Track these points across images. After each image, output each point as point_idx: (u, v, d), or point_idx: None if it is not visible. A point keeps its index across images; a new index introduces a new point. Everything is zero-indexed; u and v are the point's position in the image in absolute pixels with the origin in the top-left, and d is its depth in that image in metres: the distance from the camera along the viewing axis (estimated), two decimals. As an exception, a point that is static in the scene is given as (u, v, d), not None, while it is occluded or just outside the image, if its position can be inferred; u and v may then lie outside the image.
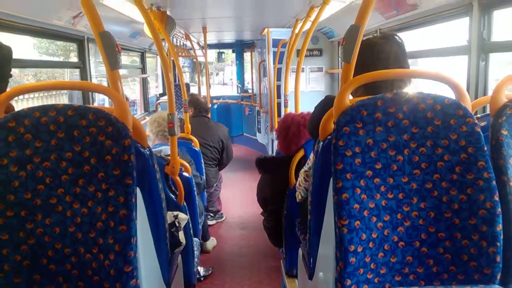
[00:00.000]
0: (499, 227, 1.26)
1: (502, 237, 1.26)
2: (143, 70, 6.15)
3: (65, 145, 1.36)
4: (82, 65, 3.58)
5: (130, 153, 1.36)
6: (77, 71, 3.62)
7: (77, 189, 1.36)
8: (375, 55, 1.54)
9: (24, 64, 3.70)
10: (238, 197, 5.45)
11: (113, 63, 1.54)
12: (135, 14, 3.56)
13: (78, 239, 1.35)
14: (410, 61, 1.63)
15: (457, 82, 1.39)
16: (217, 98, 9.09)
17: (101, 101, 4.90)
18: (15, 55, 1.69)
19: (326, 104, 1.70)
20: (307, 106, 2.74)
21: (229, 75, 13.23)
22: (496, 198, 1.26)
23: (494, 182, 1.27)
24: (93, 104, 3.63)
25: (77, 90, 3.67)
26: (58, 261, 1.35)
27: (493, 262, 1.26)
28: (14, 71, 3.13)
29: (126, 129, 1.39)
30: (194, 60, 7.47)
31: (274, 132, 4.48)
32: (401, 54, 1.57)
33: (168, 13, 3.84)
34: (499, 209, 1.26)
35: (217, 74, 7.31)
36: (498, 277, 1.27)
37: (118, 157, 1.35)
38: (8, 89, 1.59)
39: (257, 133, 7.72)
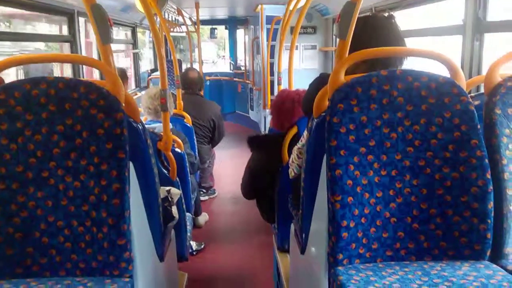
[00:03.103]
0: (491, 205, 1.28)
1: (493, 214, 1.28)
2: (135, 45, 6.06)
3: (56, 118, 1.35)
4: (72, 39, 3.51)
5: (123, 127, 1.35)
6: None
7: (69, 162, 1.35)
8: (376, 31, 1.53)
9: (10, 37, 3.63)
10: (230, 173, 5.46)
11: (105, 37, 1.51)
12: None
13: (71, 212, 1.35)
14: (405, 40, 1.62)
15: (452, 60, 1.39)
16: (210, 74, 9.01)
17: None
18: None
19: (320, 81, 1.68)
20: (301, 84, 2.72)
21: (207, 53, 12.89)
22: (488, 176, 1.28)
23: (486, 160, 1.28)
24: (83, 77, 3.58)
25: (68, 63, 3.61)
26: (51, 234, 1.35)
27: (484, 239, 1.28)
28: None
29: (118, 102, 1.37)
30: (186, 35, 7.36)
31: (267, 110, 4.47)
32: (399, 32, 1.57)
33: (160, -13, 3.76)
34: (491, 187, 1.28)
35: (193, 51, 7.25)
36: (488, 253, 1.30)
37: (110, 130, 1.34)
38: None
39: (250, 110, 7.70)
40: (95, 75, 4.40)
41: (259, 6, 5.61)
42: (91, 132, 1.34)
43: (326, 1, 4.72)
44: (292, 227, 1.92)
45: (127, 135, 1.36)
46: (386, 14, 1.63)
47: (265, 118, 5.76)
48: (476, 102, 1.40)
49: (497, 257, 1.32)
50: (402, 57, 1.56)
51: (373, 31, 1.52)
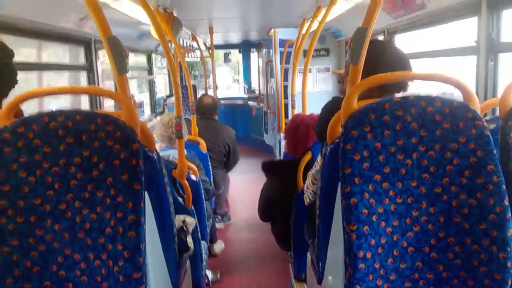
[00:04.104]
0: (510, 232, 1.24)
1: None
2: (150, 71, 6.16)
3: (74, 150, 1.36)
4: (89, 68, 3.59)
5: (138, 158, 1.36)
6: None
7: (86, 194, 1.36)
8: (380, 56, 1.54)
9: (29, 67, 3.72)
10: (245, 199, 5.43)
11: (120, 68, 1.55)
12: (142, 16, 3.57)
13: (88, 245, 1.35)
14: (418, 60, 1.65)
15: (465, 84, 1.37)
16: (224, 99, 9.09)
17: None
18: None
19: (333, 106, 1.69)
20: (315, 106, 2.72)
21: (221, 77, 12.67)
22: (506, 202, 1.24)
23: (504, 186, 1.25)
24: (101, 107, 3.64)
25: (86, 94, 3.68)
26: (68, 267, 1.36)
27: (504, 268, 1.24)
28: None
29: (134, 133, 1.39)
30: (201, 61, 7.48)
31: (282, 133, 4.47)
32: (402, 54, 1.61)
33: (174, 14, 3.85)
34: (509, 214, 1.24)
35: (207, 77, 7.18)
36: (509, 282, 1.25)
37: (126, 161, 1.35)
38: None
39: (264, 134, 7.70)
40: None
41: (272, 30, 5.68)
42: (108, 163, 1.36)
43: (339, 23, 4.75)
44: (309, 256, 1.90)
45: (143, 166, 1.36)
46: (385, 38, 1.67)
47: (279, 141, 5.76)
48: (492, 126, 1.38)
49: None
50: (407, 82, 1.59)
51: (377, 56, 1.53)
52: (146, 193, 1.41)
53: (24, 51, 3.08)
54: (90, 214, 1.35)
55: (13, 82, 1.61)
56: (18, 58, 1.68)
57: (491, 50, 2.26)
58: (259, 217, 2.93)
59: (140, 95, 6.43)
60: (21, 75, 1.65)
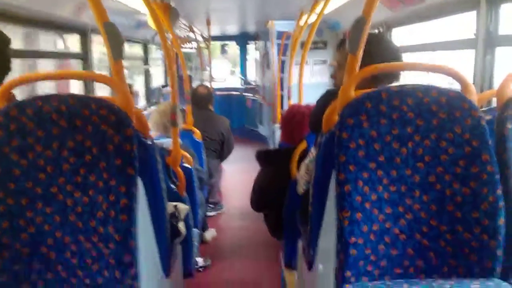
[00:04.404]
0: (501, 221, 1.25)
1: (504, 230, 1.25)
2: (146, 61, 6.13)
3: (67, 134, 1.35)
4: (85, 56, 3.57)
5: (133, 143, 1.35)
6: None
7: (78, 178, 1.35)
8: (372, 47, 1.54)
9: (23, 54, 3.69)
10: (238, 188, 5.45)
11: (116, 53, 1.53)
12: (139, 5, 3.54)
13: (78, 227, 1.34)
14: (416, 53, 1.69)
15: (462, 75, 1.37)
16: (220, 90, 9.07)
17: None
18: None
19: (327, 98, 1.71)
20: (311, 98, 2.73)
21: (219, 69, 12.21)
22: (499, 192, 1.25)
23: (497, 176, 1.26)
24: (94, 93, 3.62)
25: (80, 80, 3.66)
26: (58, 249, 1.35)
27: (494, 256, 1.25)
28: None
29: (129, 119, 1.38)
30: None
31: (277, 124, 4.47)
32: (393, 46, 1.68)
33: (171, 4, 3.82)
34: (502, 203, 1.25)
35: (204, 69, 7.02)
36: (499, 270, 1.26)
37: (120, 146, 1.34)
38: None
39: (259, 125, 7.71)
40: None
41: (270, 22, 5.66)
42: (101, 148, 1.35)
43: (337, 16, 4.73)
44: (300, 243, 1.90)
45: (137, 151, 1.36)
46: (380, 32, 1.71)
47: (273, 132, 5.77)
48: (488, 117, 1.38)
49: (508, 274, 1.28)
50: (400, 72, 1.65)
51: (370, 47, 1.54)
52: (139, 178, 1.40)
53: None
54: (82, 198, 1.34)
55: (7, 69, 1.60)
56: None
57: (489, 44, 2.26)
58: (252, 208, 2.93)
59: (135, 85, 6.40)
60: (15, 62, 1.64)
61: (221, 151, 4.28)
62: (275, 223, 2.78)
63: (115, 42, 1.52)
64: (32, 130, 1.34)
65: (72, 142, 1.35)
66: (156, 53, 6.86)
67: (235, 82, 10.46)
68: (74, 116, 1.35)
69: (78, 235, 1.35)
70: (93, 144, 1.35)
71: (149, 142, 1.57)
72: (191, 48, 7.83)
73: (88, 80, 3.52)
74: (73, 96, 1.39)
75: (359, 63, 1.39)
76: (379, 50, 1.61)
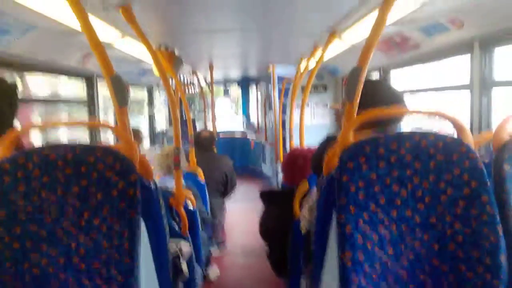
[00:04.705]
0: (502, 259, 1.25)
1: (506, 269, 1.25)
2: (151, 106, 6.24)
3: (72, 179, 1.38)
4: (90, 102, 3.65)
5: (136, 188, 1.38)
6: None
7: (82, 221, 1.37)
8: (372, 93, 1.60)
9: (30, 101, 3.78)
10: (242, 227, 5.42)
11: (121, 101, 1.58)
12: (143, 54, 3.65)
13: (82, 270, 1.35)
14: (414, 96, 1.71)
15: (458, 119, 1.41)
16: (223, 132, 9.17)
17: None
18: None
19: (326, 143, 1.80)
20: (312, 139, 2.78)
21: (221, 110, 12.38)
22: (500, 232, 1.26)
23: (497, 217, 1.27)
24: (100, 138, 3.68)
25: (85, 127, 3.73)
26: None
27: None
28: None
29: (133, 165, 1.41)
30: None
31: (279, 164, 4.51)
32: (393, 91, 1.67)
33: (175, 52, 3.94)
34: (503, 242, 1.26)
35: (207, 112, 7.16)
36: None
37: (124, 191, 1.37)
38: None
39: (262, 163, 7.74)
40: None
41: (271, 66, 5.80)
42: (105, 193, 1.37)
43: (336, 62, 4.86)
44: (303, 282, 1.88)
45: (140, 196, 1.38)
46: (380, 77, 1.75)
47: (277, 172, 5.79)
48: (486, 160, 1.41)
49: None
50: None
51: (370, 93, 1.59)
52: (142, 220, 1.42)
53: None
54: (86, 241, 1.36)
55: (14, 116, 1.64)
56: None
57: (484, 86, 2.32)
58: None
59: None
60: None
61: (225, 191, 4.31)
62: (279, 262, 2.77)
63: (120, 90, 1.57)
64: (38, 177, 1.37)
65: (76, 187, 1.38)
66: (159, 97, 6.98)
67: (238, 122, 10.57)
68: (79, 163, 1.39)
69: (81, 277, 1.35)
70: (97, 190, 1.38)
71: (153, 185, 1.59)
72: (194, 94, 7.98)
73: (94, 128, 3.59)
74: (79, 145, 1.43)
75: (355, 110, 1.44)
76: (377, 96, 1.63)
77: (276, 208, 2.73)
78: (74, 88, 3.86)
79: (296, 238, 2.34)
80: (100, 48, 1.58)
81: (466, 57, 2.45)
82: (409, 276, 1.29)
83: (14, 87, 1.66)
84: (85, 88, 3.68)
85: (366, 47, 1.44)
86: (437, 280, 1.29)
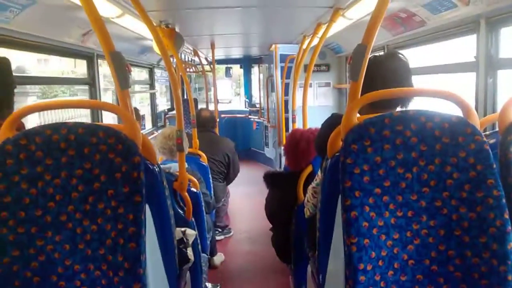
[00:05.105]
0: (510, 246, 1.24)
1: None
2: (152, 85, 6.21)
3: (75, 162, 1.37)
4: (91, 82, 3.63)
5: (140, 171, 1.37)
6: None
7: (87, 206, 1.36)
8: (379, 72, 1.56)
9: (31, 80, 3.75)
10: (245, 212, 5.44)
11: (123, 83, 1.56)
12: (144, 31, 3.61)
13: (88, 256, 1.35)
14: (417, 77, 1.65)
15: (464, 100, 1.39)
16: (225, 112, 9.14)
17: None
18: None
19: (332, 122, 1.72)
20: (315, 121, 2.74)
21: (222, 91, 11.89)
22: (506, 216, 1.25)
23: (503, 200, 1.26)
24: (101, 120, 3.67)
25: (87, 108, 3.71)
26: (68, 277, 1.36)
27: (504, 281, 1.24)
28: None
29: (136, 147, 1.40)
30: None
31: (282, 147, 4.50)
32: (405, 72, 1.61)
33: (176, 30, 3.89)
34: (510, 227, 1.25)
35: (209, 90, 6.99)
36: None
37: (127, 174, 1.36)
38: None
39: (265, 147, 7.73)
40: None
41: (273, 46, 5.74)
42: (109, 175, 1.36)
43: (339, 40, 4.80)
44: (309, 268, 1.89)
45: (144, 179, 1.37)
46: (388, 52, 1.67)
47: (280, 155, 5.78)
48: (492, 141, 1.39)
49: None
50: (409, 97, 1.59)
51: (376, 71, 1.55)
52: (147, 205, 1.42)
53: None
54: (91, 226, 1.35)
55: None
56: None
57: (490, 67, 2.28)
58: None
59: (141, 109, 6.46)
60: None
61: (227, 174, 4.29)
62: (283, 247, 2.78)
63: (121, 71, 1.55)
64: (41, 159, 1.36)
65: (80, 170, 1.37)
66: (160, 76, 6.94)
67: (240, 103, 10.51)
68: (82, 144, 1.37)
69: (87, 263, 1.35)
70: (101, 172, 1.37)
71: (156, 169, 1.59)
72: (196, 72, 7.93)
73: (96, 109, 3.57)
74: (82, 125, 1.41)
75: (359, 89, 1.42)
76: (379, 75, 1.59)
77: (279, 191, 2.73)
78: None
79: (300, 223, 2.35)
80: (99, 23, 1.55)
81: (472, 40, 2.42)
82: (415, 262, 1.29)
83: (5, 60, 1.60)
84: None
85: (371, 23, 1.41)
86: (443, 266, 1.29)
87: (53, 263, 1.35)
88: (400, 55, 1.64)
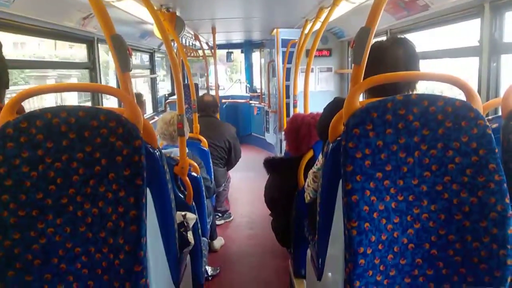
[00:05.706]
0: (510, 230, 1.25)
1: None
2: (152, 70, 6.18)
3: (76, 145, 1.37)
4: (91, 66, 3.61)
5: (141, 154, 1.37)
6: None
7: (88, 189, 1.37)
8: (384, 58, 1.54)
9: (30, 65, 3.73)
10: (246, 197, 5.46)
11: (124, 66, 1.55)
12: (145, 15, 3.58)
13: (89, 238, 1.36)
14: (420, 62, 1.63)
15: (468, 84, 1.38)
16: (226, 97, 9.12)
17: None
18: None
19: (334, 106, 1.70)
20: (317, 106, 2.72)
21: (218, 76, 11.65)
22: (507, 200, 1.25)
23: (505, 185, 1.26)
24: (102, 104, 3.66)
25: (88, 92, 3.70)
26: (69, 260, 1.36)
27: (504, 265, 1.25)
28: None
29: (137, 130, 1.39)
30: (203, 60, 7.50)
31: (283, 132, 4.49)
32: (410, 57, 1.57)
33: (177, 13, 3.86)
34: (510, 212, 1.25)
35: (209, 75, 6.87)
36: (509, 280, 1.26)
37: (128, 158, 1.36)
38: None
39: (266, 132, 7.73)
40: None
41: (275, 30, 5.69)
42: (110, 159, 1.36)
43: (341, 24, 4.76)
44: (309, 252, 1.90)
45: (145, 162, 1.37)
46: (394, 38, 1.63)
47: (280, 140, 5.77)
48: (494, 125, 1.39)
49: None
50: (413, 83, 1.56)
51: (379, 56, 1.53)
52: (148, 189, 1.42)
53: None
54: (92, 209, 1.36)
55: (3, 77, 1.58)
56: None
57: (494, 51, 2.26)
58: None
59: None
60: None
61: (228, 159, 4.29)
62: (283, 231, 2.79)
63: (122, 54, 1.54)
64: (42, 142, 1.36)
65: (81, 154, 1.37)
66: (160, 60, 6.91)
67: (238, 89, 10.45)
68: (83, 128, 1.37)
69: (88, 246, 1.36)
70: (102, 155, 1.36)
71: (157, 153, 1.58)
72: (196, 56, 7.89)
73: (96, 92, 3.56)
74: (82, 108, 1.41)
75: (362, 73, 1.40)
76: (384, 60, 1.56)
77: (279, 176, 2.73)
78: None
79: (300, 208, 2.35)
80: (100, 6, 1.53)
81: (476, 24, 2.39)
82: (416, 246, 1.30)
83: None
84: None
85: (375, 5, 1.38)
86: (443, 250, 1.29)
87: (54, 245, 1.36)
88: (406, 41, 1.60)
